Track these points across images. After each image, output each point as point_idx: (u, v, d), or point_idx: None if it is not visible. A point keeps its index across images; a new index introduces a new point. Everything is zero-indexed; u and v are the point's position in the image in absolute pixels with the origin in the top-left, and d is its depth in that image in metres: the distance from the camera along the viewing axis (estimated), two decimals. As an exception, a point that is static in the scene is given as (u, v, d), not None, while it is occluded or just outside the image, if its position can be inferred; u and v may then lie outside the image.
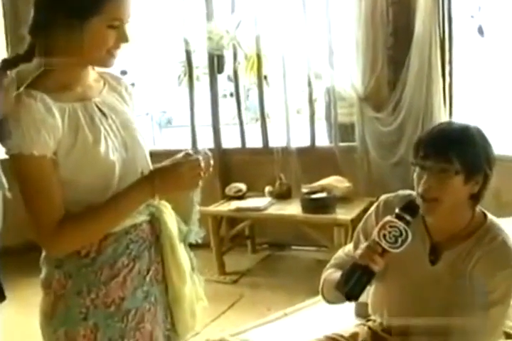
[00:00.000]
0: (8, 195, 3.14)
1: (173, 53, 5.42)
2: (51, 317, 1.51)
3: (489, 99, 5.05)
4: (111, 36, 1.46)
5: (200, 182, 1.56)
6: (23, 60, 1.49)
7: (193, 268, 1.71)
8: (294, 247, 5.14)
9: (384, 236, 1.58)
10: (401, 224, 1.59)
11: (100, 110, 1.53)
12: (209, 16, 4.96)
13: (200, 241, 1.70)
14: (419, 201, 1.70)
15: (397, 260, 1.77)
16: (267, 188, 4.74)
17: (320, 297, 2.93)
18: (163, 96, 14.27)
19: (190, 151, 1.56)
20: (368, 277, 1.61)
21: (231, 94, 7.93)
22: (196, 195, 1.65)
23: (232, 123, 5.58)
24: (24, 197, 1.43)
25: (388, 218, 1.62)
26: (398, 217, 1.62)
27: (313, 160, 4.88)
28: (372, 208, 1.94)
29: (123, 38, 1.48)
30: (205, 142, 5.25)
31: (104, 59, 1.51)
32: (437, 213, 1.73)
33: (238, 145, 5.30)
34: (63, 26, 1.43)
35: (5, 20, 5.15)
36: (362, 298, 2.44)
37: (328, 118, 5.09)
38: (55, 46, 1.46)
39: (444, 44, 4.37)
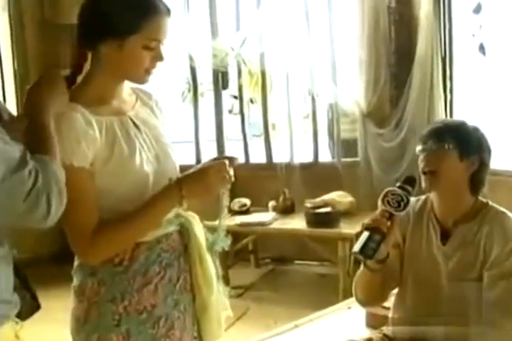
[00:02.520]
0: None
1: (176, 69, 5.47)
2: (84, 324, 1.54)
3: (489, 117, 5.12)
4: (146, 56, 1.51)
5: (228, 186, 1.59)
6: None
7: (218, 277, 1.74)
8: (297, 262, 5.17)
9: (388, 202, 1.79)
10: (401, 191, 1.80)
11: (134, 124, 1.59)
12: (214, 33, 5.05)
13: (226, 248, 1.74)
14: (422, 178, 1.95)
15: (415, 252, 2.02)
16: (271, 203, 4.79)
17: (329, 309, 2.98)
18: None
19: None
20: (379, 236, 1.76)
21: (229, 111, 8.00)
22: (225, 199, 1.66)
23: (235, 139, 5.62)
24: None
25: (389, 188, 1.81)
26: (399, 187, 1.83)
27: (316, 176, 4.95)
28: None
29: (159, 57, 1.53)
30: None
31: (142, 77, 1.56)
32: (438, 186, 1.94)
33: (242, 160, 5.34)
34: (103, 44, 1.49)
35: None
36: (371, 309, 2.50)
37: (331, 134, 5.16)
38: (94, 62, 1.53)
39: (446, 61, 4.47)
